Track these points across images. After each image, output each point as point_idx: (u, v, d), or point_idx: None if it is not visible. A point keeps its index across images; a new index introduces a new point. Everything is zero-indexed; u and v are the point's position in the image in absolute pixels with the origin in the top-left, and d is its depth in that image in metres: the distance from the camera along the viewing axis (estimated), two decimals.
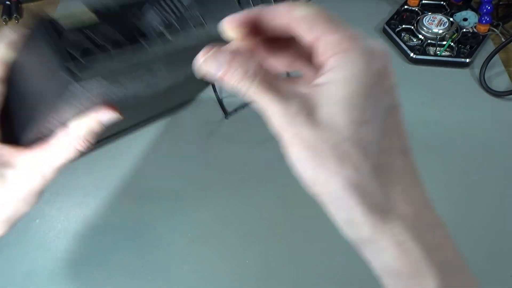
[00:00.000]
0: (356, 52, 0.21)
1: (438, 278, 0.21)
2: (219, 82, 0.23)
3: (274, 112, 0.22)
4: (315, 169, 0.21)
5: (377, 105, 0.21)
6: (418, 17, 0.68)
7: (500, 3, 0.71)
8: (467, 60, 0.63)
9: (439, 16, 0.66)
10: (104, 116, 0.29)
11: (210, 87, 0.57)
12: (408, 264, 0.21)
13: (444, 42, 0.64)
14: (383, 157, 0.21)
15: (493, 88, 0.60)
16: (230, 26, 0.24)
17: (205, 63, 0.23)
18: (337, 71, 0.21)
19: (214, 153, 0.55)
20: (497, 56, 0.64)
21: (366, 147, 0.21)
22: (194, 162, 0.54)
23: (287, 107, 0.21)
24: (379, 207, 0.21)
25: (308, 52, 0.23)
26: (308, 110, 0.21)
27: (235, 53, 0.23)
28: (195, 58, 0.24)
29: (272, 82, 0.22)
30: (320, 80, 0.21)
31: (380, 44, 0.22)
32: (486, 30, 0.66)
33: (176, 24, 0.30)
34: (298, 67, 0.27)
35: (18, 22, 0.75)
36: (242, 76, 0.22)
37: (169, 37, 0.29)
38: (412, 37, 0.67)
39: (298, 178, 0.22)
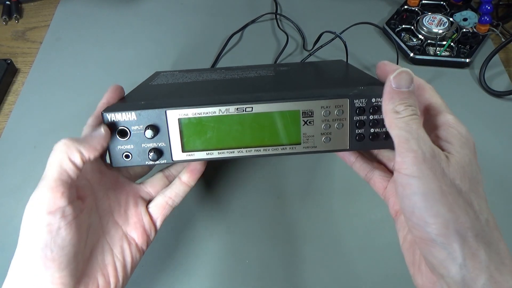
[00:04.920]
0: (466, 137, 0.28)
1: None
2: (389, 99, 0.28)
3: (414, 149, 0.26)
4: (443, 206, 0.25)
5: (477, 173, 0.27)
6: (418, 17, 0.68)
7: (500, 3, 0.71)
8: (467, 60, 0.63)
9: (439, 16, 0.66)
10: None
11: None
12: None
13: (444, 42, 0.65)
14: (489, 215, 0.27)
15: (493, 88, 0.60)
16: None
17: (399, 75, 0.28)
18: (459, 147, 0.27)
19: None
20: (497, 56, 0.64)
21: (481, 203, 0.27)
22: None
23: (427, 150, 0.26)
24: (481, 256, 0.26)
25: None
26: (444, 159, 0.26)
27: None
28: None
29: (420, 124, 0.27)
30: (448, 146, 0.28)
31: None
32: (486, 30, 0.66)
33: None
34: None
35: (18, 22, 0.75)
36: (412, 105, 0.27)
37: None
38: (412, 37, 0.67)
39: (408, 213, 0.26)
